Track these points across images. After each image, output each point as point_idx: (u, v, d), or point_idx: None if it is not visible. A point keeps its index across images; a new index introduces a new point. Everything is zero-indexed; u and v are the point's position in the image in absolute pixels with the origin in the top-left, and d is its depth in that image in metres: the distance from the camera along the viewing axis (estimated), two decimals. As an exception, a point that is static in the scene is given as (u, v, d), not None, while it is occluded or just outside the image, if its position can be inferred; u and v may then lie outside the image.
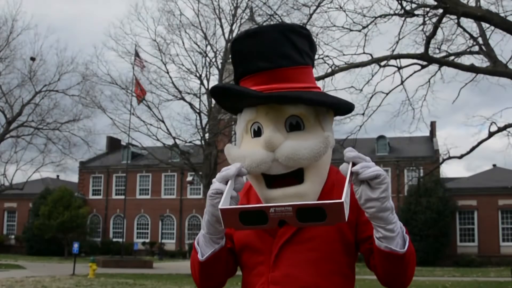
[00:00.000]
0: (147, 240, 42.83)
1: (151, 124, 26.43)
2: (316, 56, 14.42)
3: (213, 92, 1.60)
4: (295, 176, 1.54)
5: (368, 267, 1.64)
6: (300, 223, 1.29)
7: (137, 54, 27.10)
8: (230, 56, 1.67)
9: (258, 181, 1.59)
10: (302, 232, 1.58)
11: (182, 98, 26.03)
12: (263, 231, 1.63)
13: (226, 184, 1.47)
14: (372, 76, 15.12)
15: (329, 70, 14.57)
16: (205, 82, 25.97)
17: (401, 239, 1.46)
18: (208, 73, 26.31)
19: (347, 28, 14.75)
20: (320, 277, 1.56)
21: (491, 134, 14.81)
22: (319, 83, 14.20)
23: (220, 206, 1.36)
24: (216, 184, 1.47)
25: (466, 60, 15.87)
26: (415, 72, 15.32)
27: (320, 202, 1.28)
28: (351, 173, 1.40)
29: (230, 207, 1.36)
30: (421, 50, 14.14)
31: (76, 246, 21.79)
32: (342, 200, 1.26)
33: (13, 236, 44.45)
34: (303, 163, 1.51)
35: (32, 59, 31.20)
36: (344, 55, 15.24)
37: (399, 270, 1.49)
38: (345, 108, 1.63)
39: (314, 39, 1.71)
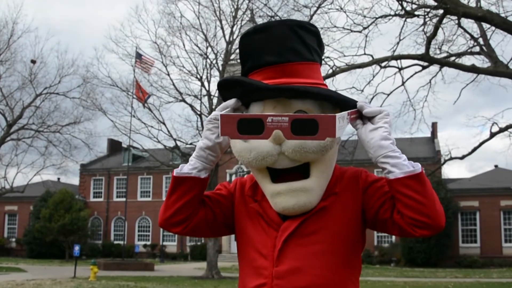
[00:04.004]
0: (149, 243, 42.78)
1: (152, 126, 26.42)
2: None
3: (223, 85, 1.60)
4: (300, 171, 1.54)
5: (390, 231, 1.57)
6: (294, 135, 1.35)
7: (140, 56, 27.01)
8: (238, 51, 1.69)
9: (263, 175, 1.58)
10: (306, 225, 1.57)
11: (183, 100, 26.02)
12: (266, 225, 1.61)
13: None
14: (373, 77, 15.13)
15: (330, 71, 14.56)
16: (206, 84, 25.98)
17: (410, 164, 1.50)
18: (209, 75, 26.29)
19: (347, 29, 14.76)
20: (326, 270, 1.55)
21: (492, 135, 14.79)
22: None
23: (220, 113, 1.46)
24: (216, 112, 1.55)
25: (467, 60, 15.88)
26: (416, 73, 15.33)
27: (315, 115, 1.35)
28: (356, 110, 1.53)
29: (230, 114, 1.43)
30: (421, 50, 14.14)
31: (77, 248, 21.72)
32: (335, 114, 1.33)
33: (13, 239, 44.39)
34: (310, 156, 1.51)
35: (33, 61, 31.16)
36: (345, 56, 15.27)
37: (423, 196, 1.45)
38: (351, 105, 1.62)
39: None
